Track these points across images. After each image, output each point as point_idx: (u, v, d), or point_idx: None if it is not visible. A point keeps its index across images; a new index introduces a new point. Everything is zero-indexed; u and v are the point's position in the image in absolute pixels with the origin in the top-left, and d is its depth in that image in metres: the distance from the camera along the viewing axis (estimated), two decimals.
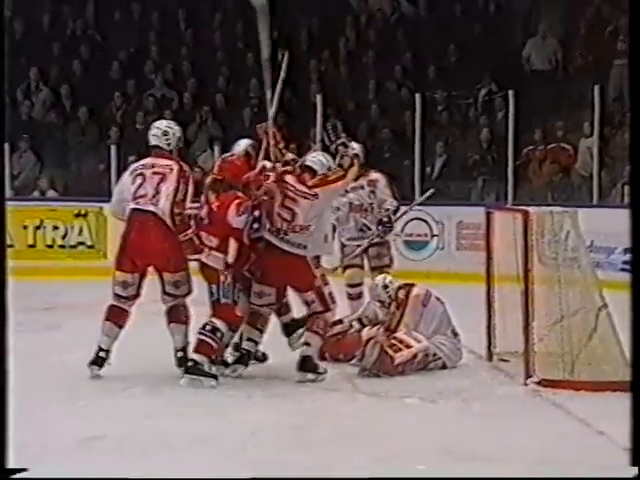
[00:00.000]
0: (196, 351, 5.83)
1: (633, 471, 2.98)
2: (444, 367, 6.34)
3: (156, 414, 5.19)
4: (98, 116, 13.57)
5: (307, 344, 6.04)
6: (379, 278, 6.67)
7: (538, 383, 5.78)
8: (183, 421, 5.06)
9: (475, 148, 12.58)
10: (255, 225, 6.05)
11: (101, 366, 5.94)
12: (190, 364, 5.80)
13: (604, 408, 5.28)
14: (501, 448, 4.50)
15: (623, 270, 10.58)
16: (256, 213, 6.03)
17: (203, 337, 5.84)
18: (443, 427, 4.98)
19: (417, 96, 11.91)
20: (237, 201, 5.97)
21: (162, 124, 6.22)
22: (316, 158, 6.27)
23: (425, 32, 13.86)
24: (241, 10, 14.61)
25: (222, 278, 5.89)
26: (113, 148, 12.31)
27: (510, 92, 11.64)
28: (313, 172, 6.16)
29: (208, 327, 5.86)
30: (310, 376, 5.97)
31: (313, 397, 5.58)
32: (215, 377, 5.83)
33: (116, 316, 5.98)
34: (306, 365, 5.99)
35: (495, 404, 5.48)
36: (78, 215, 11.80)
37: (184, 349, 5.98)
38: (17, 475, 3.10)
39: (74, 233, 11.75)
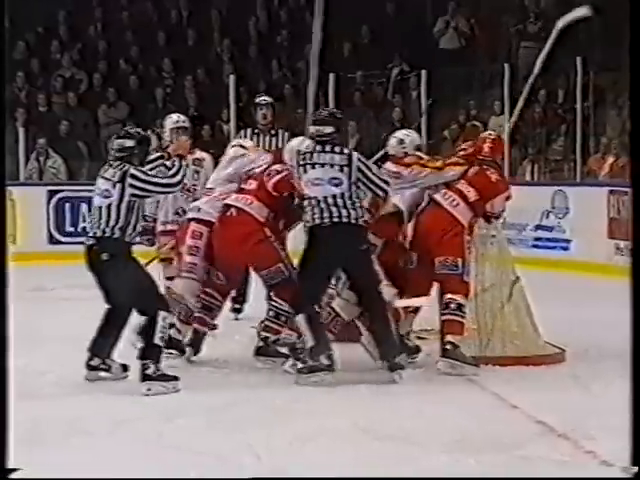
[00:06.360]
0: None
1: (633, 471, 3.03)
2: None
3: (74, 399, 5.12)
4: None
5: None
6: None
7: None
8: (100, 405, 5.00)
9: (387, 128, 12.62)
10: None
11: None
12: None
13: (517, 382, 5.38)
14: (418, 426, 4.54)
15: (534, 247, 10.78)
16: None
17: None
18: (360, 406, 5.00)
19: (331, 76, 11.90)
20: None
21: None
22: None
23: (337, 12, 13.86)
24: None
25: None
26: (21, 130, 12.06)
27: (423, 72, 11.72)
28: None
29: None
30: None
31: (231, 379, 5.55)
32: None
33: None
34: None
35: (411, 381, 5.51)
36: None
37: None
38: (16, 475, 3.03)
39: None
